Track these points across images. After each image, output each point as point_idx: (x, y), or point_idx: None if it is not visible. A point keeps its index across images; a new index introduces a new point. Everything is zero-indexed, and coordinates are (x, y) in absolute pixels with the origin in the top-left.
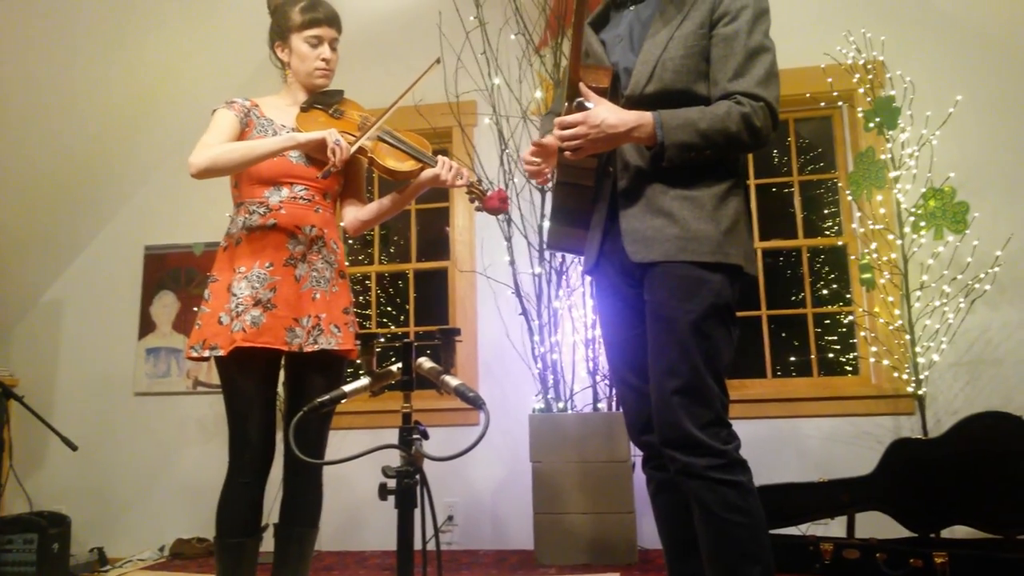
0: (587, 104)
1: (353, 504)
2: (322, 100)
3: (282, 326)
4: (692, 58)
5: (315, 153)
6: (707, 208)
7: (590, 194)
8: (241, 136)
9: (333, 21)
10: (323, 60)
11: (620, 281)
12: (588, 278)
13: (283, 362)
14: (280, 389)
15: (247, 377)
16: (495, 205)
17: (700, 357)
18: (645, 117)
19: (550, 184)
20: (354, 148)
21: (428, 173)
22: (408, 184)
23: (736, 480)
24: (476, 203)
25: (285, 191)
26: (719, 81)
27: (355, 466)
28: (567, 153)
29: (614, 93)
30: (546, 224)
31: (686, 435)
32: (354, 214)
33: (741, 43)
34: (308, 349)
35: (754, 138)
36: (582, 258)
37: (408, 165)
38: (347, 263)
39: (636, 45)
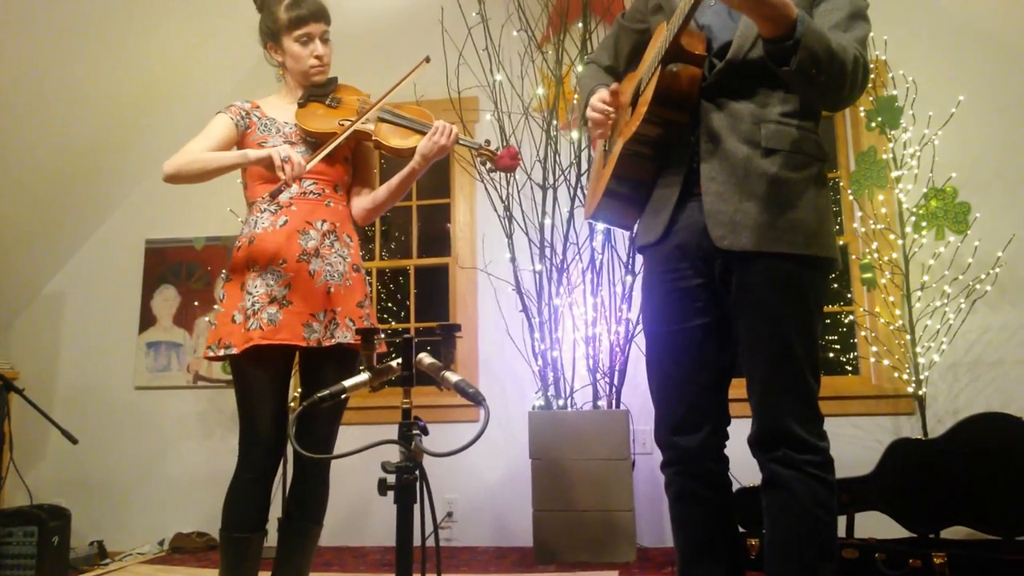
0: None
1: (352, 500)
2: (317, 92)
3: (299, 322)
4: None
5: (269, 170)
6: (802, 194)
7: (654, 167)
8: (243, 138)
9: (319, 15)
10: (316, 57)
11: (688, 265)
12: (589, 275)
13: (297, 358)
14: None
15: (260, 374)
16: (507, 163)
17: (803, 353)
18: (792, 4)
19: (598, 146)
20: (311, 164)
21: (423, 145)
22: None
23: (829, 479)
24: (488, 165)
25: (295, 187)
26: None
27: (354, 463)
28: None
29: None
30: (547, 222)
31: (788, 431)
32: (361, 203)
33: (847, 2)
34: (326, 344)
35: (851, 88)
36: (602, 239)
37: (412, 141)
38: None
39: (736, 12)
